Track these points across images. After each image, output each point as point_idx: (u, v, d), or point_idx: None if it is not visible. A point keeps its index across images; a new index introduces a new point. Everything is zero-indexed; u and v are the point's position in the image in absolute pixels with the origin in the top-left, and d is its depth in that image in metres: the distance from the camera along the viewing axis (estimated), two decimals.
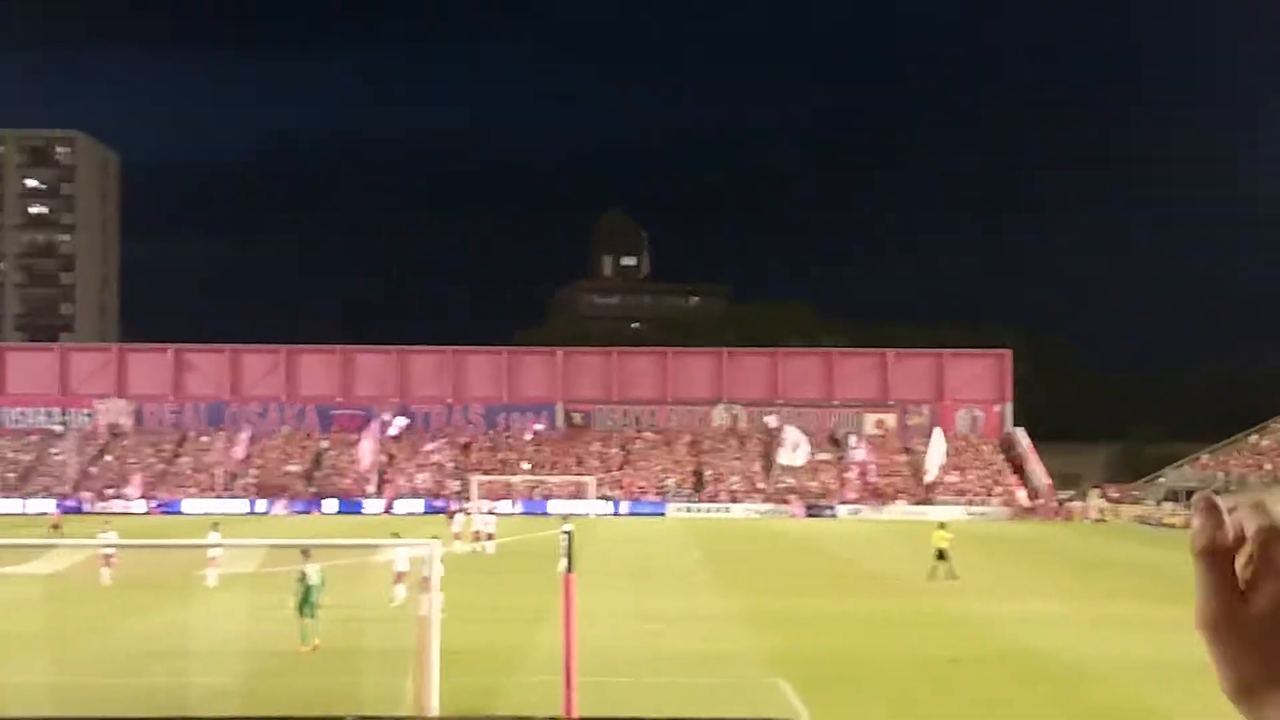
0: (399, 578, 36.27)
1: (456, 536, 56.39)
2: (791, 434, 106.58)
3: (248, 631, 28.34)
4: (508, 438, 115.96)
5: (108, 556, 39.83)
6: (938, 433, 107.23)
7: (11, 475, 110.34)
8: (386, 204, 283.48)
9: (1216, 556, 0.91)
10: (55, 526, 68.53)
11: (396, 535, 41.55)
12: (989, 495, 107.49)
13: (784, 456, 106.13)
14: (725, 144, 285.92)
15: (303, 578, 30.16)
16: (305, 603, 29.79)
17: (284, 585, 34.05)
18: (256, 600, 34.79)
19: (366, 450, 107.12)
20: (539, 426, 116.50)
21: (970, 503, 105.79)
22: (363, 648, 26.32)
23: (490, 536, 59.98)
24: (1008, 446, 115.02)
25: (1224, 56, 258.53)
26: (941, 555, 48.01)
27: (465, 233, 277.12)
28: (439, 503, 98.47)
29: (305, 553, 31.78)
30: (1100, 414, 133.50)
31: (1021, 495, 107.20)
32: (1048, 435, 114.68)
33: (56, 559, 36.49)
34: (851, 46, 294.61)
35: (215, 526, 46.71)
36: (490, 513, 66.87)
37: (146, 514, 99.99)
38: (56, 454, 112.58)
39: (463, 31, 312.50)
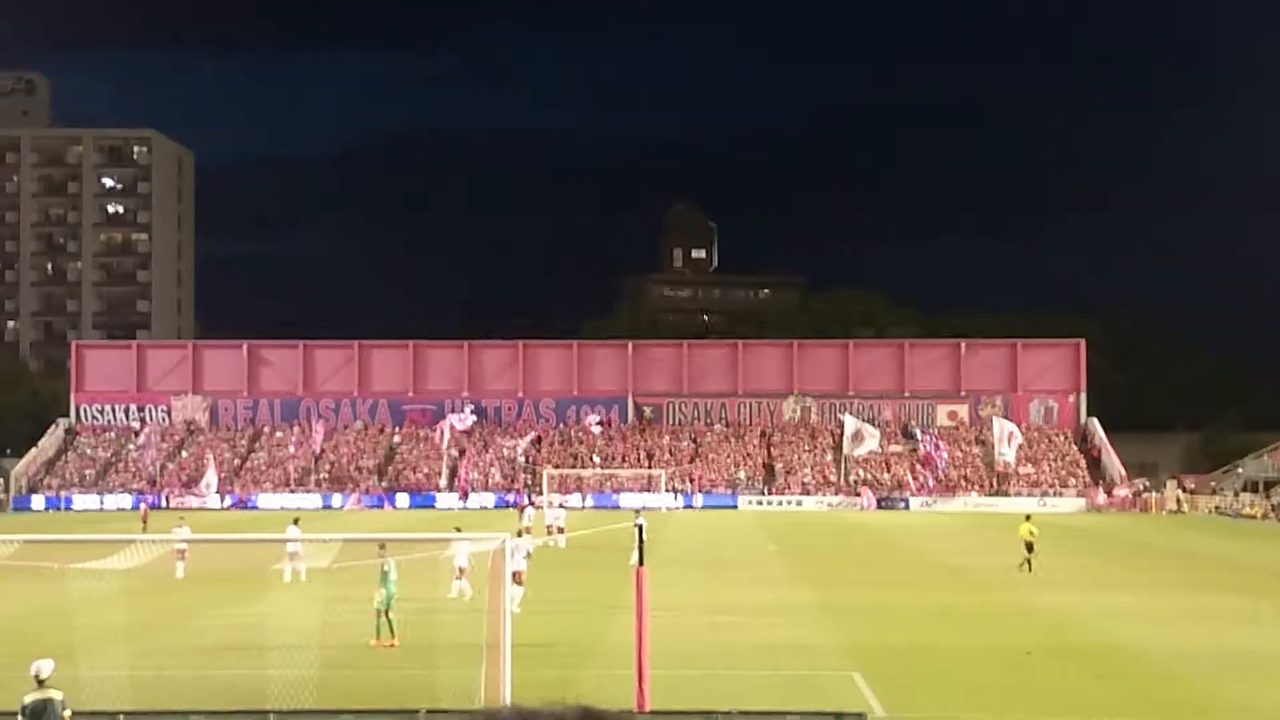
0: (460, 573, 36.65)
1: (526, 530, 56.52)
2: (850, 423, 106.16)
3: (323, 624, 28.59)
4: (578, 431, 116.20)
5: (181, 551, 40.34)
6: (998, 422, 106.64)
7: (90, 472, 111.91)
8: (457, 199, 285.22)
9: None
10: (145, 522, 69.55)
11: (458, 530, 41.79)
12: (1063, 487, 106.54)
13: (847, 447, 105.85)
14: (794, 135, 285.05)
15: (385, 573, 30.16)
16: (387, 599, 29.86)
17: (359, 579, 34.32)
18: (332, 594, 35.10)
19: (444, 439, 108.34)
20: (600, 421, 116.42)
21: (1044, 494, 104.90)
22: (436, 641, 26.49)
23: (561, 530, 60.17)
24: (1082, 437, 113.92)
25: None
26: (1030, 547, 47.64)
27: (536, 227, 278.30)
28: (511, 497, 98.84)
29: (382, 546, 31.89)
30: (1179, 403, 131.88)
31: (1096, 487, 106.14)
32: (1124, 425, 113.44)
33: (136, 554, 36.91)
34: (926, 34, 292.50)
35: (295, 522, 47.19)
36: (561, 506, 67.09)
37: (223, 509, 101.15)
38: (134, 450, 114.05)
39: (534, 28, 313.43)
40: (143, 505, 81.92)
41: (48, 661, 18.42)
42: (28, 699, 17.91)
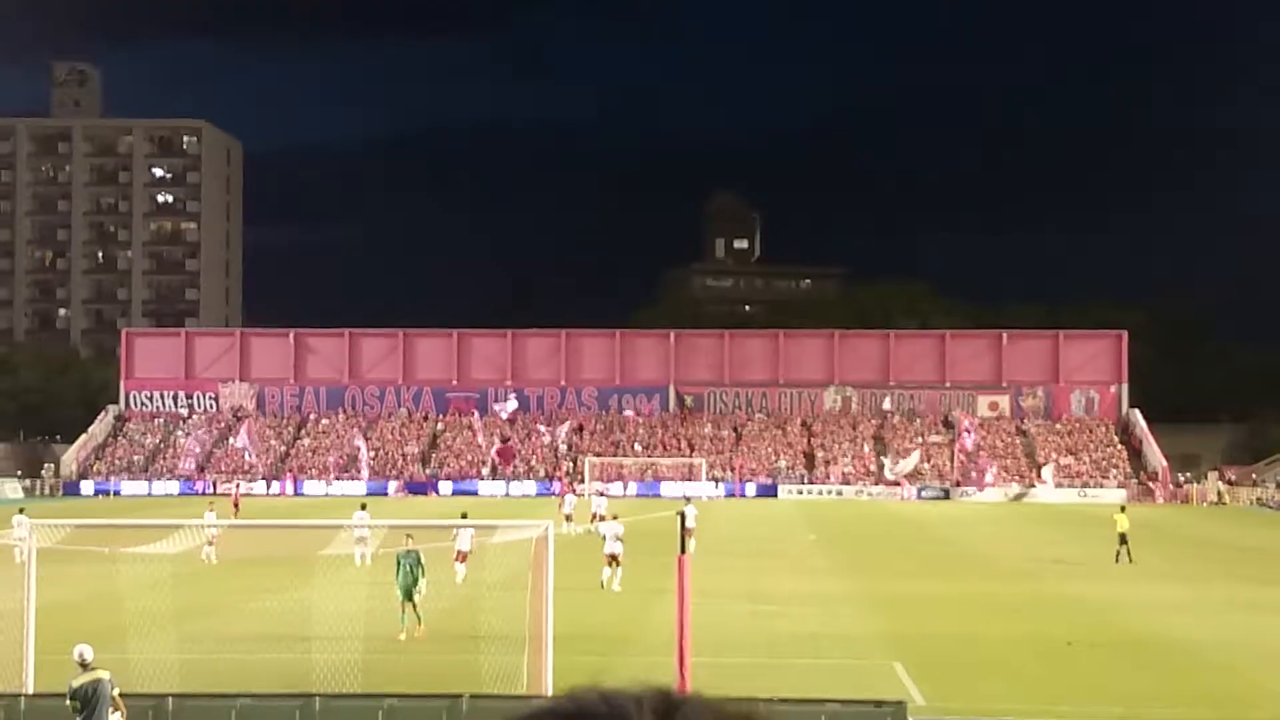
0: (460, 557, 37.97)
1: (567, 518, 56.83)
2: (901, 462, 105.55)
3: (368, 610, 28.96)
4: (620, 419, 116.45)
5: (211, 536, 40.89)
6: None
7: (139, 458, 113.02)
8: (502, 188, 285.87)
9: None
10: (236, 506, 70.70)
11: (464, 515, 42.60)
12: (1104, 478, 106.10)
13: (889, 469, 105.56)
14: (836, 125, 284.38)
15: (405, 562, 30.25)
16: (408, 584, 29.84)
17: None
18: (377, 579, 35.51)
19: (480, 430, 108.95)
20: (629, 413, 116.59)
21: (1085, 485, 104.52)
22: (479, 627, 26.82)
23: (602, 519, 60.40)
24: (1124, 429, 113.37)
25: None
26: (1123, 539, 47.58)
27: (579, 216, 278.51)
28: (554, 486, 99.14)
29: (409, 536, 32.32)
30: (1222, 395, 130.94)
31: (1136, 478, 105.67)
32: (1168, 416, 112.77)
33: (182, 539, 37.44)
34: (971, 26, 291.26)
35: (363, 508, 47.83)
36: (602, 494, 67.39)
37: (272, 495, 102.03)
38: (182, 437, 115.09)
39: (577, 18, 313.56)
40: (234, 489, 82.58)
41: (87, 646, 18.68)
42: (76, 682, 18.15)
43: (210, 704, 20.94)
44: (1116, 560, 47.05)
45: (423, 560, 30.29)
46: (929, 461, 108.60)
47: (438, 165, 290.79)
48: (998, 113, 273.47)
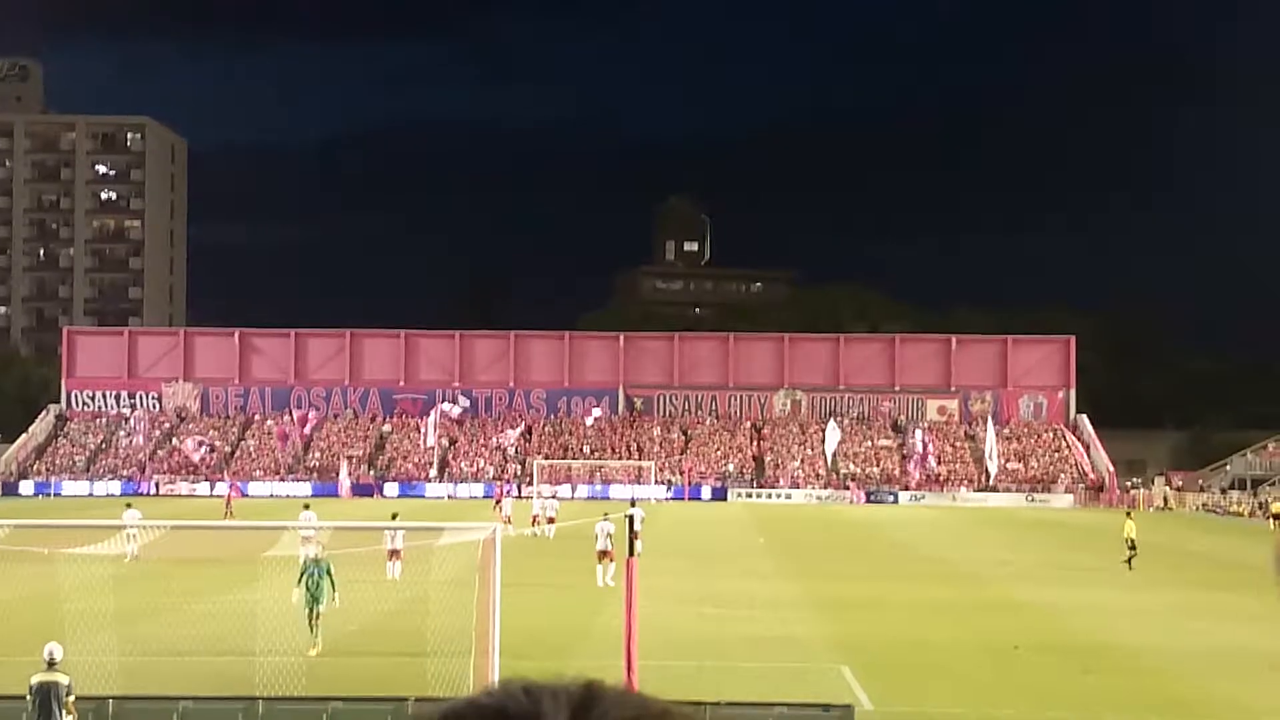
0: (392, 555, 38.63)
1: (507, 521, 56.59)
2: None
3: (313, 612, 28.54)
4: (569, 422, 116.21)
5: (131, 534, 40.20)
6: (991, 430, 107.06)
7: (80, 458, 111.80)
8: (450, 190, 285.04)
9: None
10: (229, 507, 70.46)
11: (395, 516, 43.03)
12: (1051, 483, 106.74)
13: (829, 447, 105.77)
14: (788, 130, 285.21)
15: (314, 571, 28.34)
16: (313, 597, 27.94)
17: (351, 566, 34.36)
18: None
19: (430, 433, 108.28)
20: (599, 412, 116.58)
21: (1033, 490, 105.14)
22: (425, 630, 26.53)
23: (551, 520, 60.28)
24: (1071, 433, 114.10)
25: None
26: (1132, 545, 47.47)
27: (529, 218, 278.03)
28: (507, 487, 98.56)
29: (306, 539, 31.34)
30: (1169, 401, 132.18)
31: (1083, 483, 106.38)
32: (1115, 422, 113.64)
33: (123, 541, 36.94)
34: (927, 31, 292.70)
35: (307, 507, 47.76)
36: (554, 497, 67.20)
37: (216, 496, 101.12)
38: (124, 437, 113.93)
39: (531, 20, 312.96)
40: (229, 490, 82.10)
41: (57, 645, 18.71)
42: (35, 679, 18.25)
43: (152, 706, 20.65)
44: (1130, 566, 46.75)
45: (332, 572, 28.51)
46: (878, 465, 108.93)
47: (386, 166, 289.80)
48: (951, 118, 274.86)
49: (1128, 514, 52.63)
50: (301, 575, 28.43)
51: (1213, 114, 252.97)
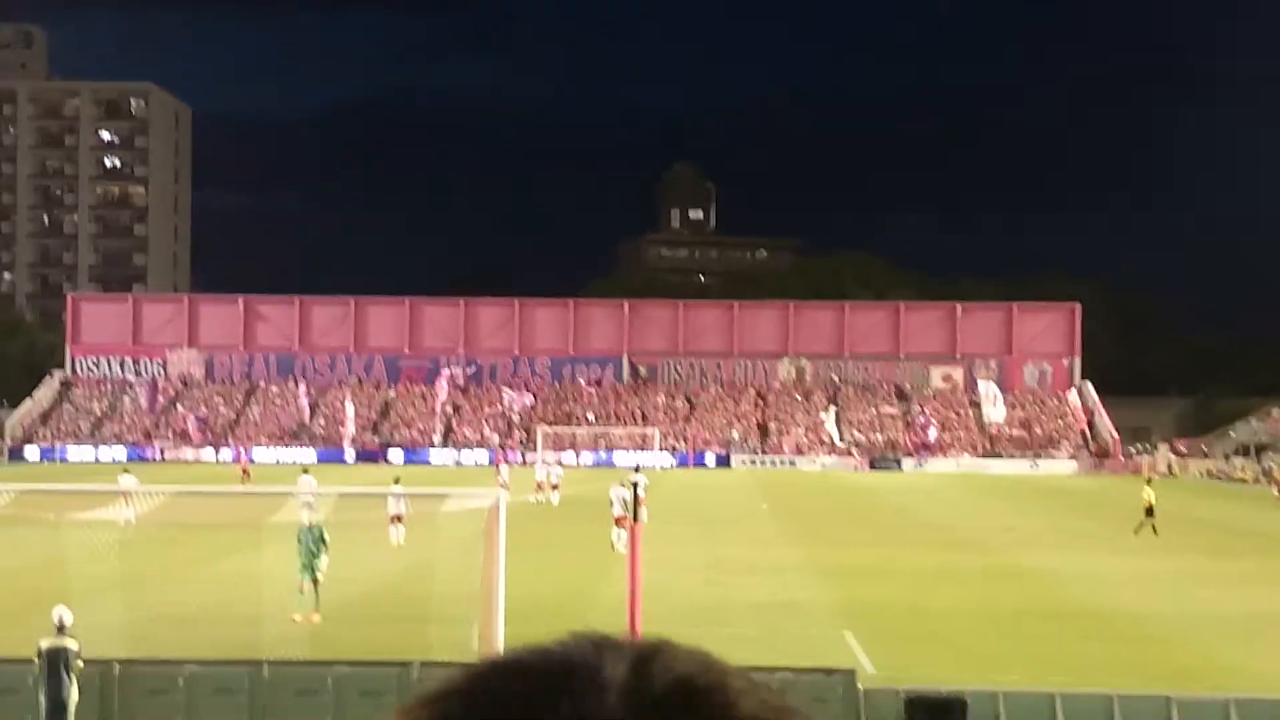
0: (395, 520, 38.91)
1: (505, 486, 56.73)
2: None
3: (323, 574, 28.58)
4: (573, 389, 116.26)
5: (126, 496, 40.20)
6: (984, 384, 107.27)
7: (85, 424, 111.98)
8: (458, 158, 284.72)
9: None
10: (245, 473, 70.68)
11: (397, 481, 43.71)
12: (1055, 449, 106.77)
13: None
14: (794, 99, 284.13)
15: (306, 539, 28.07)
16: (309, 562, 27.65)
17: (356, 532, 34.45)
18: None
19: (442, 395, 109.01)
20: (601, 380, 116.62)
21: (1036, 456, 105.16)
22: (431, 595, 26.62)
23: (555, 487, 60.47)
24: (1076, 400, 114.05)
25: None
26: (1149, 511, 47.44)
27: (536, 186, 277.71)
28: (511, 455, 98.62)
29: (306, 505, 31.32)
30: (1173, 369, 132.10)
31: (1087, 449, 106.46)
32: (1120, 389, 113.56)
33: (135, 505, 37.04)
34: (935, 4, 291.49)
35: (305, 471, 48.06)
36: (558, 464, 67.30)
37: (217, 463, 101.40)
38: (129, 403, 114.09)
39: None
40: (242, 459, 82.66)
41: (66, 609, 18.78)
42: (44, 644, 18.32)
43: (157, 670, 20.71)
44: (1137, 532, 46.86)
45: (326, 537, 28.21)
46: (881, 432, 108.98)
47: (394, 135, 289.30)
48: (959, 89, 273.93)
49: (1148, 481, 52.74)
50: (299, 545, 28.13)
51: (1213, 114, 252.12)
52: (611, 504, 40.31)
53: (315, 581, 27.47)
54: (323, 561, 27.68)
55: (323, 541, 27.91)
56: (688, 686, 0.98)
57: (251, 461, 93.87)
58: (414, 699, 0.98)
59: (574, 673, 0.96)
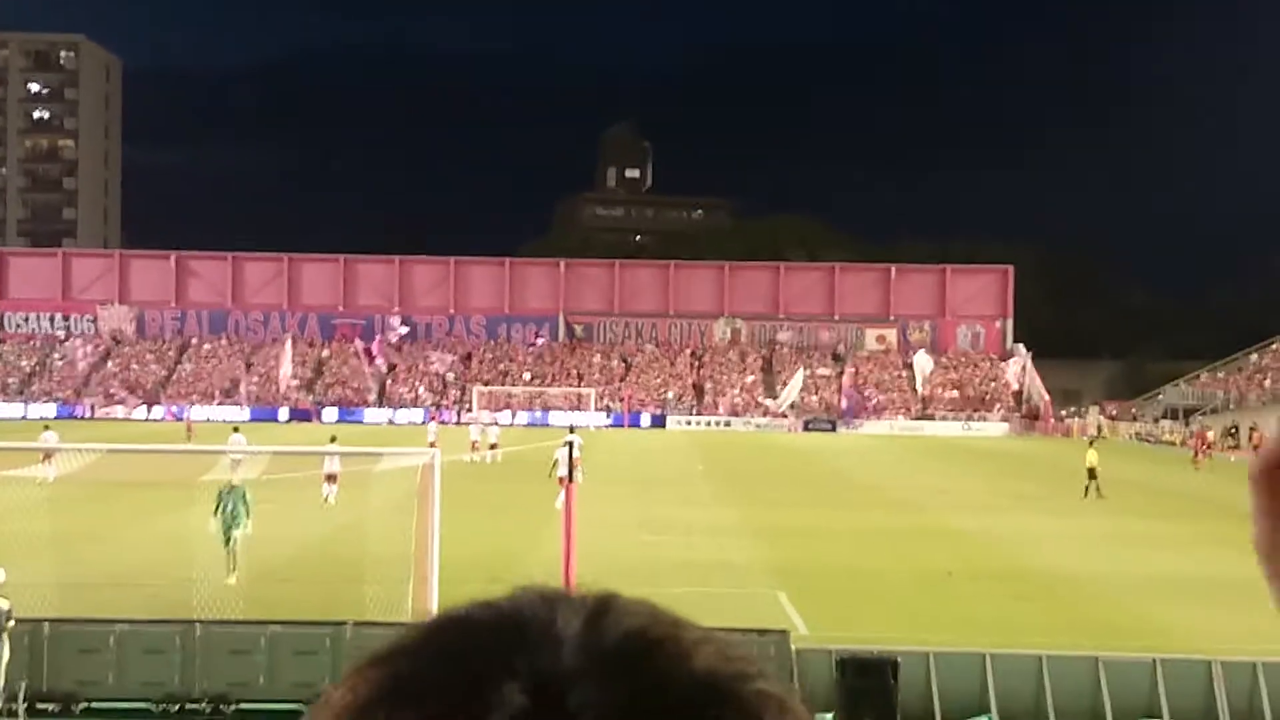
0: (329, 479, 39.13)
1: (432, 445, 56.63)
2: (797, 380, 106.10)
3: (251, 536, 28.39)
4: (509, 349, 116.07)
5: (48, 455, 39.74)
6: (919, 359, 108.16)
7: (14, 381, 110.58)
8: (392, 115, 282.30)
9: (1272, 481, 0.91)
10: (190, 432, 70.47)
11: (334, 439, 43.98)
12: (987, 411, 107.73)
13: (774, 405, 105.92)
14: (730, 58, 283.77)
15: (227, 494, 27.51)
16: (229, 525, 27.11)
17: (290, 490, 34.28)
18: (261, 508, 34.97)
19: (374, 359, 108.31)
20: (541, 339, 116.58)
21: (969, 418, 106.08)
22: (363, 555, 26.52)
23: (494, 446, 60.45)
24: (1009, 363, 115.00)
25: None
26: (1092, 474, 48.00)
27: (471, 144, 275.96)
28: (445, 415, 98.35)
29: (235, 463, 30.94)
30: (1105, 333, 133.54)
31: (1019, 411, 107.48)
32: (1052, 353, 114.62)
33: (61, 463, 36.61)
34: None
35: (236, 430, 47.89)
36: (494, 424, 67.23)
37: (153, 420, 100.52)
38: (59, 359, 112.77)
39: None
40: (186, 416, 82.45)
41: (1, 569, 18.56)
42: None
43: (88, 629, 20.55)
44: (1085, 495, 47.45)
45: (249, 498, 27.78)
46: (816, 394, 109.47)
47: (327, 89, 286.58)
48: (895, 47, 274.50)
49: (1090, 443, 53.45)
50: (217, 504, 27.50)
51: (1163, 52, 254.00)
52: (556, 464, 40.34)
53: (233, 541, 26.94)
54: (245, 524, 27.14)
55: (244, 502, 27.35)
56: (642, 638, 1.00)
57: (179, 419, 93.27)
58: (364, 658, 0.97)
59: (526, 628, 0.97)
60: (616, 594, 1.06)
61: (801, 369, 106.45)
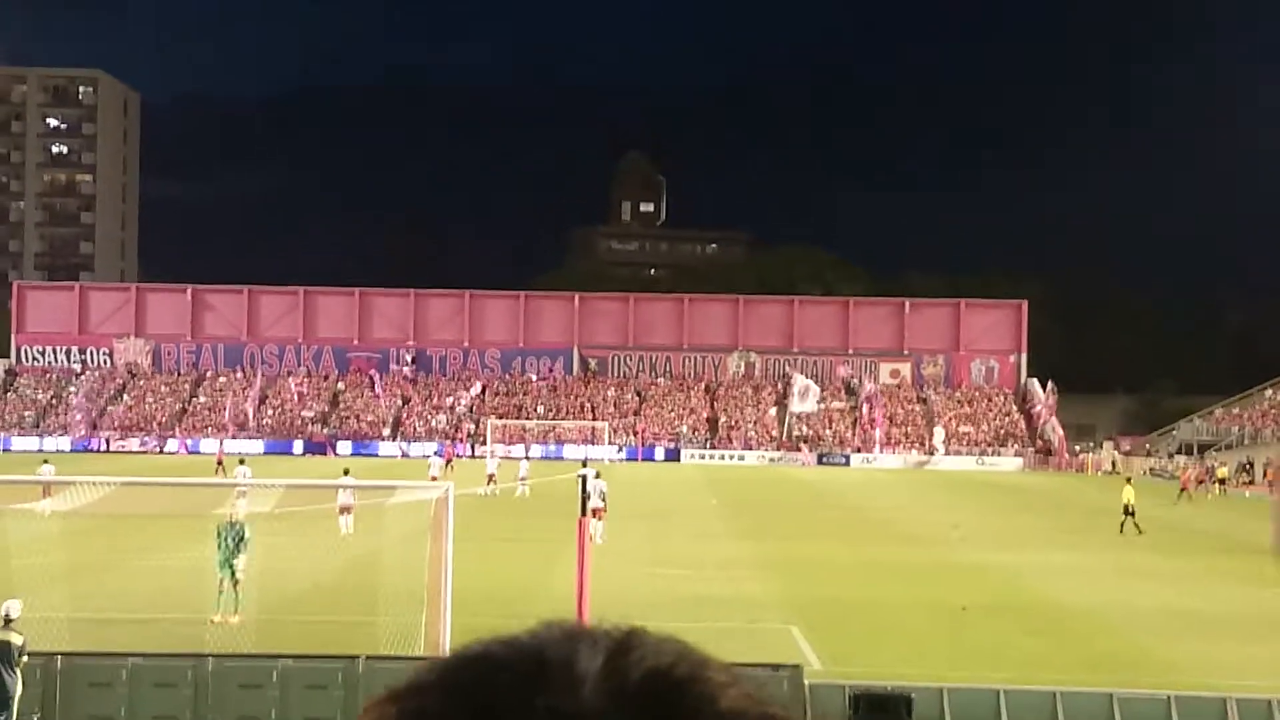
0: (343, 510, 39.49)
1: (434, 479, 56.72)
2: (800, 380, 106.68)
3: (262, 570, 28.44)
4: (523, 382, 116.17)
5: (46, 487, 39.62)
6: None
7: (29, 414, 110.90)
8: (408, 146, 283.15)
9: None
10: (220, 464, 70.41)
11: (347, 472, 43.84)
12: (1001, 446, 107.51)
13: (795, 404, 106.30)
14: (746, 91, 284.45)
15: (228, 535, 26.58)
16: (228, 560, 26.32)
17: (303, 524, 34.30)
18: (273, 540, 35.01)
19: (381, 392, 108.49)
20: (551, 372, 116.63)
21: (983, 453, 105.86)
22: (377, 587, 26.52)
23: (523, 479, 60.72)
24: (1022, 398, 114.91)
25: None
26: (1128, 510, 47.99)
27: (486, 176, 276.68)
28: (458, 448, 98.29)
29: (241, 495, 30.54)
30: (1119, 367, 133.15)
31: (1033, 447, 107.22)
32: (1066, 386, 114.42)
33: (73, 497, 36.69)
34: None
35: (242, 462, 47.85)
36: (525, 458, 67.34)
37: (162, 453, 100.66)
38: (74, 393, 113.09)
39: None
40: (219, 449, 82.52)
41: (16, 602, 18.56)
42: None
43: (100, 663, 20.53)
44: (1121, 531, 47.31)
45: (248, 534, 26.81)
46: (830, 428, 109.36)
47: (341, 121, 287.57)
48: (910, 81, 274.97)
49: (1128, 480, 53.69)
50: (218, 541, 26.69)
51: (1170, 82, 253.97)
52: (588, 496, 40.14)
53: (235, 581, 26.29)
54: (241, 560, 26.40)
55: (243, 539, 26.54)
56: (665, 678, 0.97)
57: (191, 452, 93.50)
58: (382, 693, 0.93)
59: (547, 665, 0.92)
60: (641, 630, 1.03)
61: (814, 383, 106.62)
